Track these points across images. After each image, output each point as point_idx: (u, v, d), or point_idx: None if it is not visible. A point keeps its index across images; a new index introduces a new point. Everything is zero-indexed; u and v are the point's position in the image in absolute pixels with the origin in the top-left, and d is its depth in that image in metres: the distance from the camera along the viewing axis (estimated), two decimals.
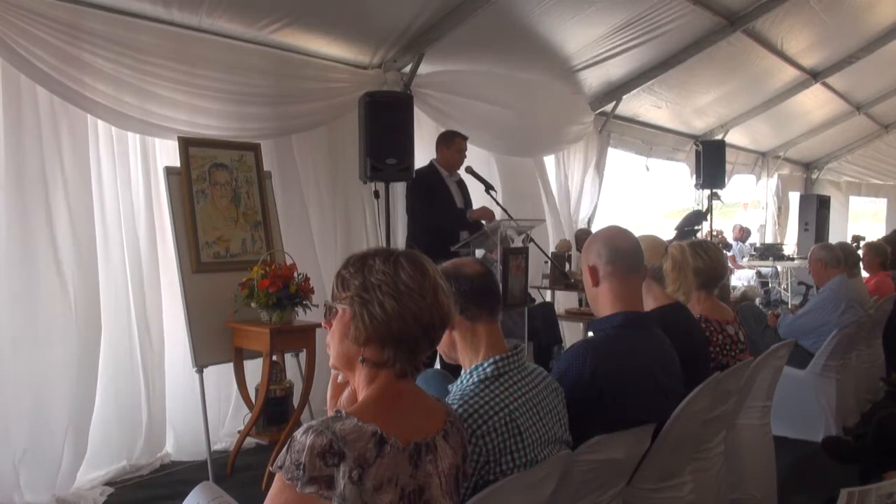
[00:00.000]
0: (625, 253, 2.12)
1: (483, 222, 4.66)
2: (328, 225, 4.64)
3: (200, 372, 3.61)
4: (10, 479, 3.20)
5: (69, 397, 3.39)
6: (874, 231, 10.80)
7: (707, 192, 7.87)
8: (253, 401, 3.85)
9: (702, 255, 2.85)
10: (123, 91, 3.52)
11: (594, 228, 7.09)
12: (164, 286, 3.88)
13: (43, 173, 3.32)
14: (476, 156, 5.11)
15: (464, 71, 5.27)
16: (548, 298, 5.71)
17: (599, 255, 2.12)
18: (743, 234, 10.32)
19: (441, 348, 1.80)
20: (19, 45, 3.13)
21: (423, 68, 4.93)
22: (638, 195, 12.99)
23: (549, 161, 6.65)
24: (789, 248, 10.07)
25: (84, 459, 3.48)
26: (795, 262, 9.20)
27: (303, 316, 3.71)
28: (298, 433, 1.21)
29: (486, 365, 1.69)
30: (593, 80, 6.27)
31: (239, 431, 3.89)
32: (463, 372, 1.74)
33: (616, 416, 1.87)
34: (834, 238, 9.53)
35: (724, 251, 3.13)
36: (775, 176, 10.81)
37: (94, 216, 3.56)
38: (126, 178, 3.80)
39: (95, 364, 3.52)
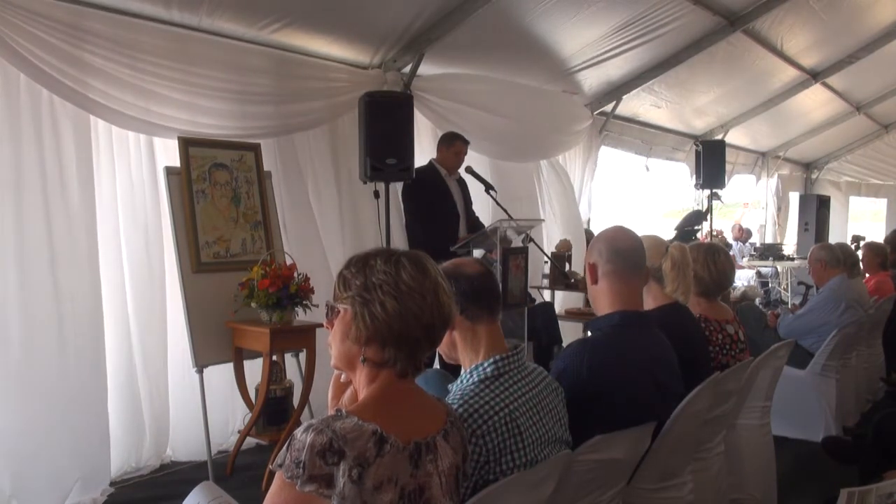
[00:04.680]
0: (624, 252, 2.12)
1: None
2: (336, 224, 4.64)
3: (200, 372, 3.61)
4: (11, 485, 3.19)
5: (75, 401, 3.36)
6: (874, 231, 10.80)
7: (707, 192, 7.87)
8: (253, 401, 3.85)
9: (710, 266, 2.83)
10: (124, 90, 3.52)
11: (592, 228, 7.10)
12: (167, 286, 3.88)
13: (43, 173, 3.31)
14: (473, 159, 5.11)
15: (462, 76, 5.27)
16: (548, 298, 5.71)
17: (600, 254, 2.14)
18: (743, 234, 10.32)
19: (441, 348, 1.80)
20: (19, 44, 3.12)
21: (424, 69, 4.93)
22: (638, 195, 12.98)
23: (548, 161, 6.66)
24: (789, 248, 10.07)
25: (93, 464, 3.46)
26: (795, 262, 9.19)
27: (303, 316, 3.71)
28: (299, 432, 1.22)
29: (486, 365, 1.69)
30: (593, 80, 6.27)
31: (239, 431, 3.89)
32: (463, 372, 1.75)
33: (615, 416, 1.87)
34: (834, 238, 9.52)
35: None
36: (775, 176, 10.81)
37: (97, 216, 3.55)
38: (128, 178, 3.80)
39: (103, 367, 3.51)
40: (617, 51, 5.74)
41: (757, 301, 7.97)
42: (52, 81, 3.27)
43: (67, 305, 3.37)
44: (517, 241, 4.36)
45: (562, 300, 6.03)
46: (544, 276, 5.59)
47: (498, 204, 4.79)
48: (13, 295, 3.21)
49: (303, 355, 3.86)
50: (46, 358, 3.29)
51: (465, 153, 4.86)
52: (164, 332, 3.87)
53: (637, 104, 7.25)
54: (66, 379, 3.34)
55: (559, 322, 5.13)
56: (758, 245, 10.08)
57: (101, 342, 3.51)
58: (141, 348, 3.78)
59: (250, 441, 3.88)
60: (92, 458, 3.42)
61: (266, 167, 4.15)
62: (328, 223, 4.60)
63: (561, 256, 5.43)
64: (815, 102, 8.87)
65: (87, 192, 3.48)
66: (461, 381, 1.72)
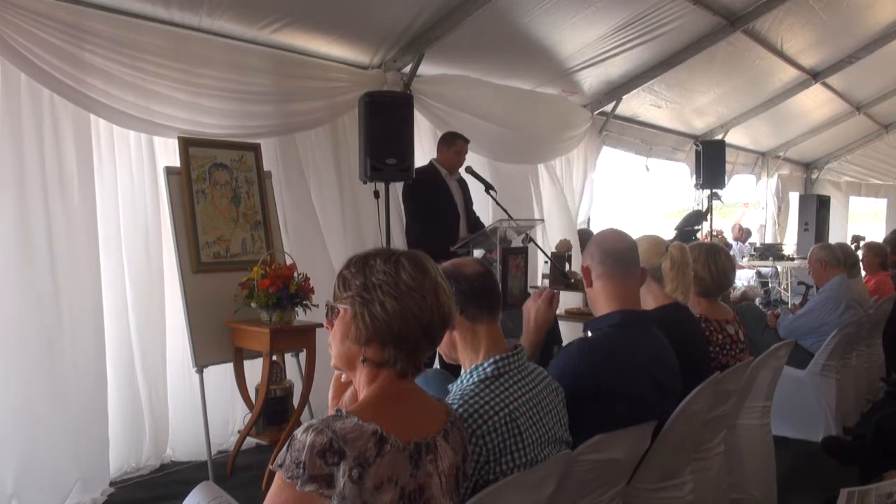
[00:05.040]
0: (616, 254, 2.16)
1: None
2: (337, 224, 4.64)
3: (200, 372, 3.61)
4: (13, 484, 3.19)
5: (75, 401, 3.36)
6: (874, 231, 10.80)
7: (707, 192, 7.87)
8: (253, 401, 3.85)
9: (710, 266, 2.84)
10: (125, 90, 3.52)
11: (593, 228, 7.10)
12: (167, 286, 3.87)
13: (43, 173, 3.30)
14: (472, 159, 5.11)
15: (461, 79, 5.28)
16: None
17: (592, 257, 2.18)
18: (743, 234, 10.32)
19: (441, 348, 1.80)
20: (20, 44, 3.12)
21: (424, 69, 4.93)
22: (638, 195, 12.99)
23: (545, 164, 6.68)
24: (789, 248, 10.07)
25: (93, 464, 3.45)
26: (795, 262, 9.19)
27: (303, 316, 3.71)
28: (299, 432, 1.22)
29: (486, 365, 1.69)
30: (593, 80, 6.28)
31: (239, 431, 3.89)
32: (463, 372, 1.75)
33: (615, 415, 1.87)
34: (834, 238, 9.52)
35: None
36: (775, 176, 10.80)
37: (97, 216, 3.55)
38: (129, 178, 3.79)
39: (103, 367, 3.51)
40: (617, 51, 5.74)
41: (757, 301, 7.97)
42: (53, 80, 3.27)
43: (66, 305, 3.36)
44: (517, 241, 4.36)
45: (562, 300, 6.02)
46: (544, 276, 5.59)
47: (498, 204, 4.78)
48: (13, 294, 3.20)
49: (303, 355, 3.86)
50: (46, 357, 3.28)
51: (466, 152, 4.87)
52: (164, 332, 3.86)
53: (637, 104, 7.24)
54: (66, 379, 3.34)
55: (559, 322, 5.12)
56: (758, 245, 10.08)
57: (101, 342, 3.51)
58: (141, 348, 3.78)
59: (250, 441, 3.88)
60: (92, 458, 3.42)
61: (267, 167, 4.15)
62: (329, 223, 4.60)
63: (561, 256, 5.43)
64: (815, 102, 8.87)
65: (87, 192, 3.48)
66: (461, 381, 1.72)
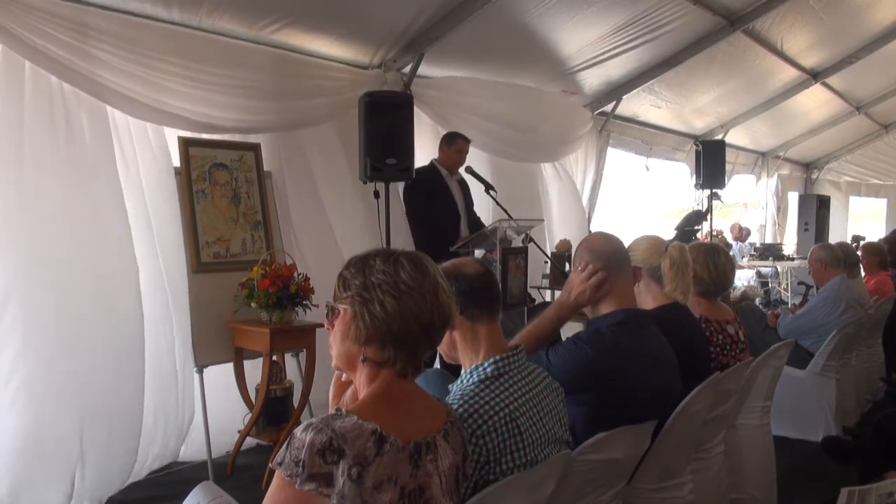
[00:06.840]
0: (606, 255, 2.18)
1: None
2: (338, 223, 4.63)
3: (200, 372, 3.61)
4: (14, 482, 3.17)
5: (108, 405, 3.33)
6: (874, 231, 10.80)
7: (707, 192, 7.87)
8: (253, 401, 3.85)
9: (710, 267, 2.84)
10: (133, 82, 3.50)
11: (593, 228, 7.10)
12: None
13: (71, 171, 3.29)
14: (474, 158, 5.11)
15: (462, 80, 5.27)
16: (548, 298, 5.71)
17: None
18: (742, 233, 10.32)
19: (441, 348, 1.80)
20: (27, 38, 3.12)
21: (424, 69, 4.92)
22: (638, 195, 12.99)
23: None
24: (789, 248, 10.07)
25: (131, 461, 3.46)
26: (795, 262, 9.19)
27: (303, 316, 3.71)
28: (298, 430, 1.22)
29: (486, 365, 1.69)
30: (593, 80, 6.28)
31: (239, 431, 3.89)
32: (463, 372, 1.75)
33: (615, 412, 1.88)
34: (834, 238, 9.51)
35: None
36: (775, 176, 10.81)
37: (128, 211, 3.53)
38: (152, 171, 3.75)
39: (140, 367, 3.48)
40: (617, 51, 5.74)
41: (757, 301, 7.96)
42: (62, 68, 3.25)
43: (99, 305, 3.33)
44: (517, 241, 4.36)
45: None
46: (544, 276, 5.59)
47: (498, 204, 4.79)
48: (43, 298, 3.16)
49: (303, 355, 3.86)
50: (74, 353, 3.23)
51: (467, 151, 4.87)
52: (172, 332, 3.84)
53: (637, 104, 7.24)
54: (102, 379, 3.31)
55: None
56: (757, 245, 10.08)
57: (140, 342, 3.46)
58: (158, 347, 3.74)
59: (250, 441, 3.87)
60: (97, 457, 3.39)
61: (271, 167, 4.15)
62: (334, 222, 4.59)
63: (561, 256, 5.43)
64: (815, 102, 8.87)
65: (114, 189, 3.46)
66: (461, 381, 1.72)
